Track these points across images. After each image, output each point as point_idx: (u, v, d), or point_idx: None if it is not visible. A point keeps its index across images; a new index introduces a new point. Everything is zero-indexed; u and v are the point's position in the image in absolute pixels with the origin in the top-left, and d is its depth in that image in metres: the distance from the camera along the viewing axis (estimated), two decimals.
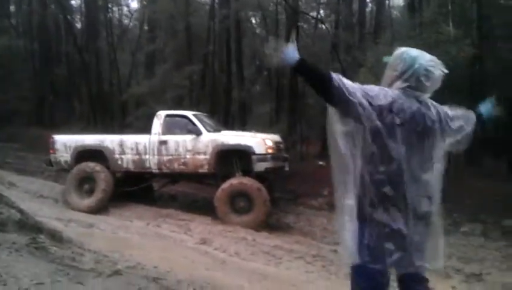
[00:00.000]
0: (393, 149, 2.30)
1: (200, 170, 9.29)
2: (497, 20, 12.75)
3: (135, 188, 9.86)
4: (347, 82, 2.27)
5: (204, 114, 11.25)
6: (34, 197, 10.28)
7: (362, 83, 2.43)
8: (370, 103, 2.26)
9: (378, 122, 2.27)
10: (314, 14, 19.89)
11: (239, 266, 5.91)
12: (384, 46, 11.59)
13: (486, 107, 2.75)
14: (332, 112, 2.40)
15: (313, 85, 2.36)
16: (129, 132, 10.74)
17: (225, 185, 8.71)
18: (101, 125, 19.95)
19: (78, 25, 30.14)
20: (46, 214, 7.87)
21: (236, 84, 18.74)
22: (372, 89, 2.34)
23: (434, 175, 2.44)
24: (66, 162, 10.15)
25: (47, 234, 5.43)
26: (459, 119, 2.60)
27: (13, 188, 10.97)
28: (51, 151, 10.35)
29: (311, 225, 9.15)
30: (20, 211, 5.71)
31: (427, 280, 2.50)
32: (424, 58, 2.44)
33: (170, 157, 9.40)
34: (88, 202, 9.41)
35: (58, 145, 10.28)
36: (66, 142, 10.25)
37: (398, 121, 2.30)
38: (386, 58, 2.59)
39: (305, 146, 16.35)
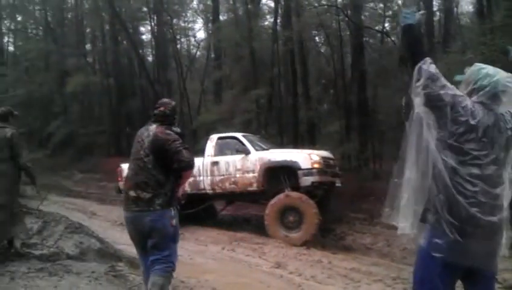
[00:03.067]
0: (475, 156, 2.30)
1: (250, 188, 9.44)
2: None
3: (195, 209, 9.98)
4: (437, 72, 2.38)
5: (256, 135, 11.65)
6: (115, 226, 10.68)
7: None
8: (453, 105, 2.33)
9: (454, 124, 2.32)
10: (379, 27, 19.52)
11: None
12: (455, 55, 11.08)
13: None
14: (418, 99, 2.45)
15: (407, 52, 2.56)
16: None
17: (273, 200, 8.82)
18: None
19: (150, 58, 31.65)
20: (126, 241, 8.07)
21: (303, 104, 18.67)
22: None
23: (505, 186, 2.38)
24: None
25: (126, 261, 5.59)
26: None
27: (95, 217, 11.52)
28: (118, 179, 10.84)
29: (390, 245, 8.75)
30: (100, 240, 5.93)
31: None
32: (500, 74, 2.45)
33: (222, 177, 9.64)
34: None
35: (124, 173, 10.72)
36: None
37: (478, 132, 2.31)
38: (458, 77, 2.62)
39: (379, 164, 15.86)
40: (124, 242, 7.76)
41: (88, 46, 31.90)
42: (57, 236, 5.41)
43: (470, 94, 2.45)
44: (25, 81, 25.41)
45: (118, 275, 4.68)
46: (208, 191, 9.87)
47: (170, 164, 3.55)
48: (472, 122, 2.31)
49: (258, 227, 9.62)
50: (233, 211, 11.25)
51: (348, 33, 18.83)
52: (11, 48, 35.13)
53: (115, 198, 14.52)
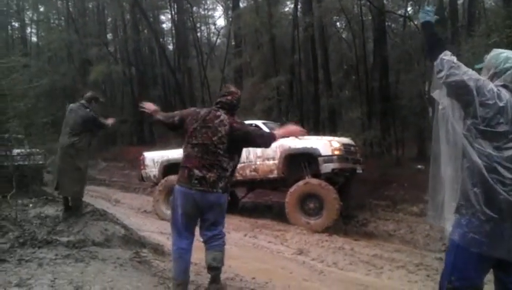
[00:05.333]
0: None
1: (270, 175, 9.46)
2: None
3: None
4: (457, 61, 2.42)
5: (277, 123, 11.53)
6: (138, 213, 10.86)
7: None
8: (478, 88, 2.31)
9: (480, 108, 2.30)
10: (401, 12, 19.17)
11: (338, 277, 5.73)
12: (479, 38, 10.82)
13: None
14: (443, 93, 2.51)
15: (427, 44, 2.64)
16: None
17: (293, 188, 8.81)
18: None
19: (170, 47, 31.77)
20: (149, 228, 8.25)
21: (324, 91, 18.53)
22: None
23: None
24: (154, 176, 10.68)
25: (150, 248, 5.67)
26: None
27: (118, 204, 11.72)
28: (141, 167, 10.99)
29: (413, 232, 8.68)
30: (124, 226, 6.03)
31: None
32: None
33: (242, 164, 9.51)
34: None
35: (147, 161, 10.89)
36: (153, 158, 10.81)
37: (508, 113, 2.29)
38: (478, 65, 2.64)
39: (401, 150, 15.69)
40: (147, 229, 7.92)
41: (109, 36, 32.19)
42: (83, 223, 5.51)
43: (491, 79, 2.44)
44: (48, 72, 25.73)
45: (142, 261, 4.75)
46: None
47: (254, 145, 4.05)
48: (500, 104, 2.28)
49: (279, 214, 9.65)
50: (254, 198, 11.29)
51: (370, 18, 18.58)
52: (34, 39, 35.72)
53: (138, 186, 14.76)
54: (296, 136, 4.26)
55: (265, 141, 3.94)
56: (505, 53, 2.49)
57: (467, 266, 2.35)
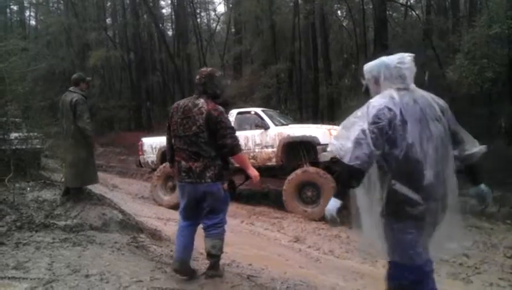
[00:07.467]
0: (406, 145, 2.41)
1: (269, 163, 9.40)
2: None
3: None
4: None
5: (276, 110, 11.56)
6: (136, 198, 10.87)
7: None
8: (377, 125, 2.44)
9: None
10: (403, 1, 19.08)
11: (333, 264, 5.78)
12: (481, 29, 10.78)
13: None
14: None
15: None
16: None
17: (291, 176, 8.81)
18: None
19: (170, 32, 31.59)
20: (147, 214, 8.27)
21: (323, 79, 18.48)
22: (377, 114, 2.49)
23: (448, 162, 2.50)
24: (152, 162, 10.68)
25: (147, 233, 5.70)
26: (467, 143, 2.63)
27: (116, 190, 11.72)
28: (140, 153, 10.97)
29: None
30: (122, 211, 6.03)
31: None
32: (389, 58, 2.66)
33: None
34: (168, 198, 9.83)
35: (145, 147, 10.87)
36: (152, 143, 10.78)
37: (399, 120, 2.42)
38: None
39: None
40: (144, 215, 7.94)
41: (109, 20, 31.96)
42: (80, 208, 5.52)
43: (384, 87, 2.62)
44: (46, 55, 25.56)
45: (139, 246, 4.78)
46: None
47: (222, 141, 3.69)
48: (397, 110, 2.43)
49: (276, 201, 9.68)
50: (251, 186, 11.29)
51: (371, 6, 18.48)
52: (32, 22, 35.51)
53: (136, 171, 14.77)
54: (252, 180, 4.11)
55: (233, 143, 3.73)
56: (379, 60, 2.67)
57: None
